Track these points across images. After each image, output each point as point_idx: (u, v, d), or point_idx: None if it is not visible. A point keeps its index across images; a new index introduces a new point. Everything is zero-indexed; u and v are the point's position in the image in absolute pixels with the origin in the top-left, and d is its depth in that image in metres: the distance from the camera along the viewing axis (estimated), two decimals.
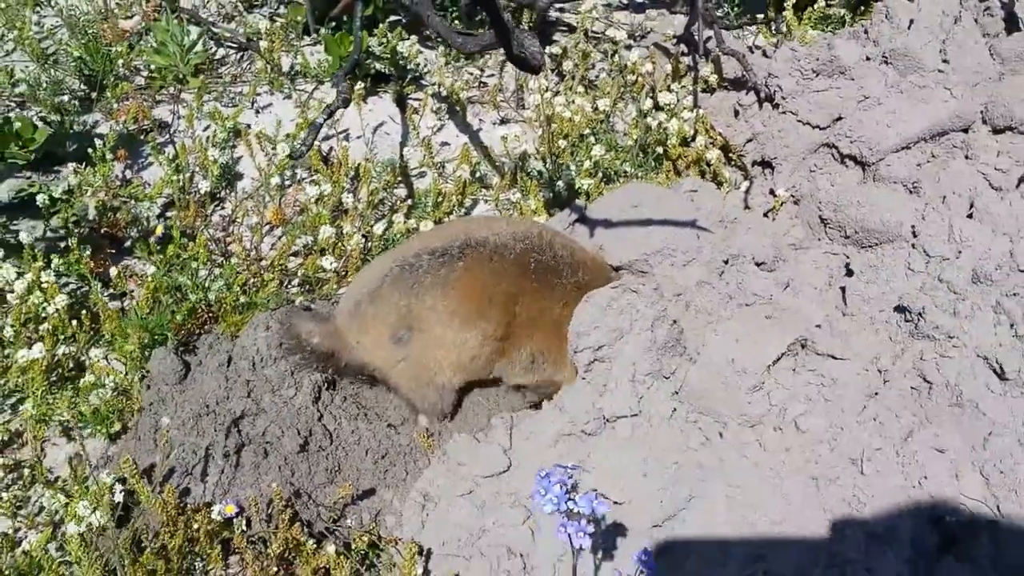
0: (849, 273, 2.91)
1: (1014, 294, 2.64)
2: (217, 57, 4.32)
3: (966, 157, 3.11)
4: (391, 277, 2.68)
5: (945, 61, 3.27)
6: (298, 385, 2.66)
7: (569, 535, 1.82)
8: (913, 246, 2.82)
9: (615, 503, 2.31)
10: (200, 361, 2.76)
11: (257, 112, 4.00)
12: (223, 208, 3.57)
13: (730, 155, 3.64)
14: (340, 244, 3.20)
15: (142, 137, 3.74)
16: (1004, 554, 2.27)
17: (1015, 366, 2.49)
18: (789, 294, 2.79)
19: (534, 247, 2.75)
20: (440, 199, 3.48)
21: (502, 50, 2.42)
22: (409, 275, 2.66)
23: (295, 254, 3.31)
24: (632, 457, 2.36)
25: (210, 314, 3.02)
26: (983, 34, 3.35)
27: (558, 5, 4.85)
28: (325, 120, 2.73)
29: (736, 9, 4.63)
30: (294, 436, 2.56)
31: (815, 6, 4.37)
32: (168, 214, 3.46)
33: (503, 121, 4.07)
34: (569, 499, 1.83)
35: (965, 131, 3.17)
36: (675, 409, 2.45)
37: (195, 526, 2.37)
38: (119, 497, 2.39)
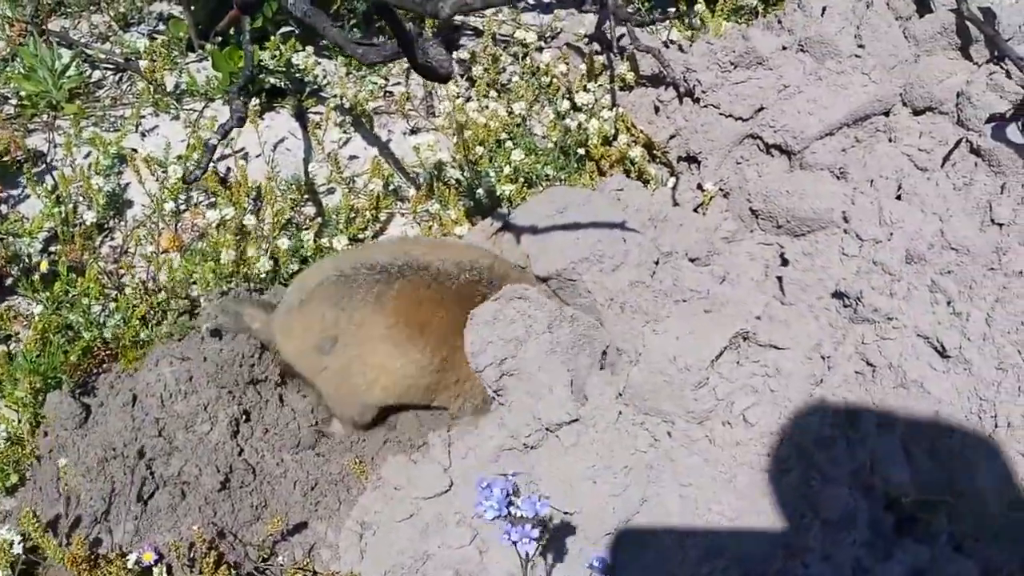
0: (785, 263, 3.04)
1: (948, 272, 2.80)
2: (94, 80, 4.28)
3: (890, 140, 3.29)
4: (324, 285, 2.75)
5: (861, 46, 3.45)
6: (213, 419, 2.66)
7: (514, 542, 1.87)
8: (845, 231, 2.97)
9: (566, 513, 2.36)
10: (101, 402, 2.73)
11: (143, 135, 3.98)
12: (113, 239, 3.54)
13: (654, 152, 3.76)
14: (245, 268, 3.20)
15: (15, 168, 3.69)
16: (960, 530, 2.40)
17: (955, 343, 2.64)
18: (727, 287, 2.90)
19: (482, 280, 2.83)
20: (353, 215, 3.51)
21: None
22: (342, 286, 2.72)
23: (196, 282, 3.29)
24: (579, 465, 2.43)
25: (108, 352, 2.99)
26: (896, 17, 3.55)
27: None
28: (219, 141, 2.74)
29: (647, 4, 4.79)
30: (213, 474, 2.55)
31: None
32: (52, 248, 3.41)
33: (414, 130, 4.13)
34: (510, 503, 1.88)
35: (886, 114, 3.35)
36: (620, 412, 2.52)
37: None
38: (18, 549, 2.35)
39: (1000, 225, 2.94)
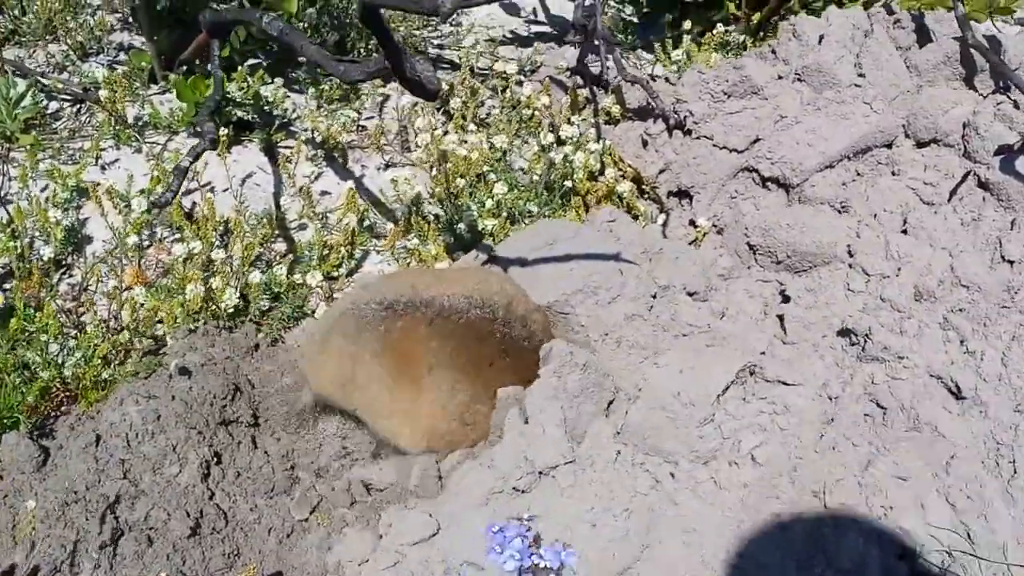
0: (785, 299, 3.05)
1: (960, 309, 2.81)
2: (51, 111, 4.25)
3: (893, 173, 3.32)
4: (342, 318, 2.82)
5: (861, 75, 3.50)
6: (183, 461, 2.60)
7: None
8: (850, 266, 2.99)
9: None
10: (61, 444, 2.67)
11: (103, 168, 3.94)
12: (72, 275, 3.48)
13: (643, 187, 3.77)
14: (212, 304, 3.16)
15: None
16: None
17: (971, 383, 2.64)
18: (727, 322, 2.90)
19: (497, 317, 2.79)
20: (326, 251, 3.48)
21: (394, 76, 2.48)
22: (355, 321, 2.77)
23: (161, 321, 3.24)
24: (577, 507, 2.39)
25: (67, 393, 2.93)
26: (896, 47, 3.60)
27: (437, 41, 4.99)
28: (192, 162, 2.72)
29: (631, 37, 4.85)
30: (182, 519, 2.49)
31: (714, 32, 4.62)
32: (7, 285, 3.35)
33: (388, 165, 4.12)
34: (533, 553, 1.80)
35: (888, 147, 3.38)
36: (619, 452, 2.49)
37: None
38: None
39: (1011, 263, 2.95)
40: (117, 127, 4.06)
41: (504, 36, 5.05)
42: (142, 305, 3.14)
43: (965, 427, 2.61)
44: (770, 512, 2.41)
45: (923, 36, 3.58)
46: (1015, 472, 2.54)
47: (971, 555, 2.48)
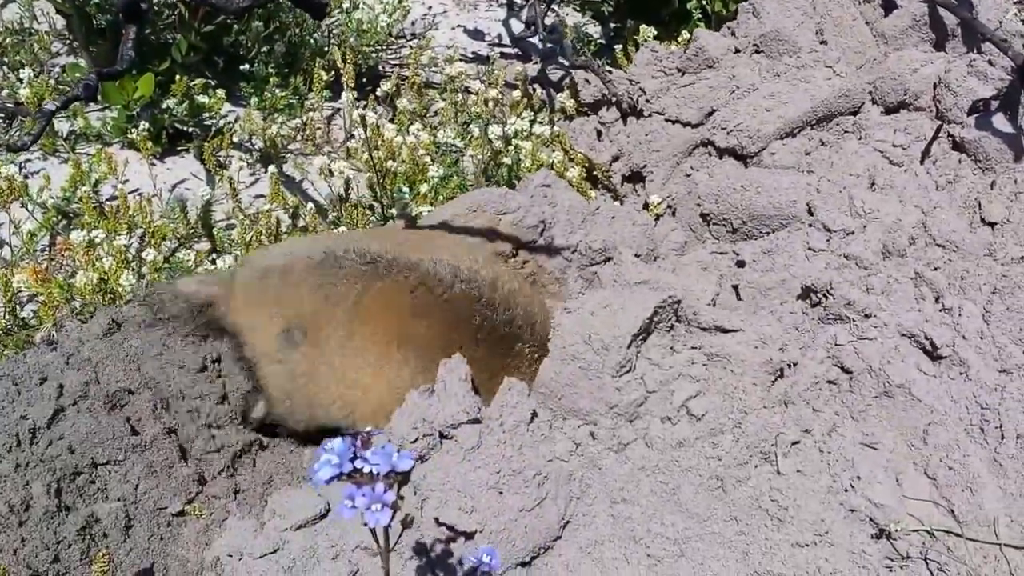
0: (741, 265, 2.67)
1: (935, 268, 2.45)
2: None
3: (859, 139, 2.97)
4: (312, 262, 2.39)
5: (823, 42, 3.18)
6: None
7: (362, 511, 1.34)
8: (811, 225, 2.62)
9: (465, 533, 1.91)
10: None
11: (26, 177, 3.65)
12: None
13: (596, 175, 3.42)
14: (106, 285, 2.81)
15: None
16: (968, 567, 1.97)
17: (947, 341, 2.26)
18: (672, 276, 2.52)
19: (483, 298, 2.38)
20: (248, 243, 3.15)
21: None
22: (328, 271, 2.36)
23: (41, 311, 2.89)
24: (481, 472, 1.96)
25: None
26: (862, 18, 3.29)
27: (393, 61, 4.75)
28: (58, 108, 2.41)
29: (592, 47, 4.60)
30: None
31: (679, 39, 4.33)
32: None
33: (331, 171, 3.81)
34: (355, 457, 1.36)
35: (855, 114, 3.05)
36: (534, 413, 2.07)
37: None
38: None
39: (992, 225, 2.61)
40: (46, 137, 3.78)
41: (466, 55, 4.79)
42: (32, 295, 2.81)
43: (943, 390, 2.23)
44: (710, 475, 2.00)
45: (890, 10, 3.26)
46: (1002, 438, 2.15)
47: (956, 535, 2.07)
